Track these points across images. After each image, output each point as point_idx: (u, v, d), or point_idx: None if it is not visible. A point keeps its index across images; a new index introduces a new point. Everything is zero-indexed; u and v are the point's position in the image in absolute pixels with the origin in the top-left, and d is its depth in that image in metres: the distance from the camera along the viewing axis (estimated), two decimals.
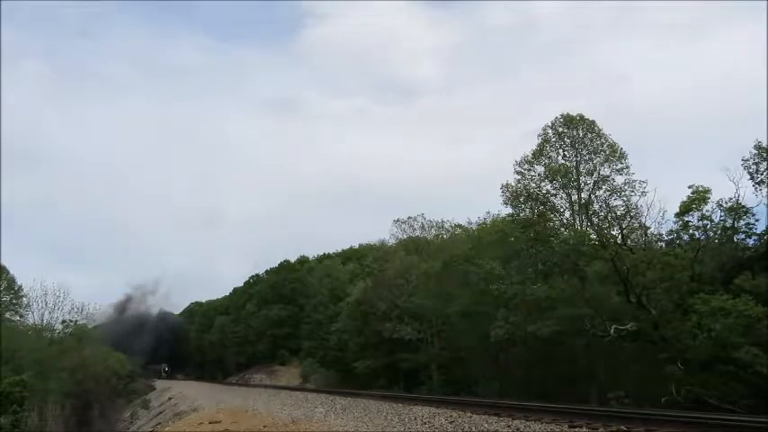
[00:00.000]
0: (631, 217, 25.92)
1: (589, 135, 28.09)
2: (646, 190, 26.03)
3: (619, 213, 26.04)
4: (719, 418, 12.29)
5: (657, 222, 25.87)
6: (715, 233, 24.38)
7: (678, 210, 24.63)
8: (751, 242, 24.11)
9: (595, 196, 27.31)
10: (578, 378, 26.88)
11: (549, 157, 28.23)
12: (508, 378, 32.07)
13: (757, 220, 23.64)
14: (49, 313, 53.33)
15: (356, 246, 74.38)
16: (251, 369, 73.21)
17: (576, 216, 27.72)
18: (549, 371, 28.89)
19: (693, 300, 21.36)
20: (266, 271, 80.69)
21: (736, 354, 19.40)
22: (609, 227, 26.06)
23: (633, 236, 26.16)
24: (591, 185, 27.45)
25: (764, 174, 23.02)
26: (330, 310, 56.75)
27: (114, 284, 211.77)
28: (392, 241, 49.10)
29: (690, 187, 24.13)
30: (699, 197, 23.94)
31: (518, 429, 13.50)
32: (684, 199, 24.30)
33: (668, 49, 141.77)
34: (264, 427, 22.57)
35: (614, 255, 23.62)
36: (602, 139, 27.92)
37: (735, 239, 24.35)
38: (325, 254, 78.43)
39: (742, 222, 23.86)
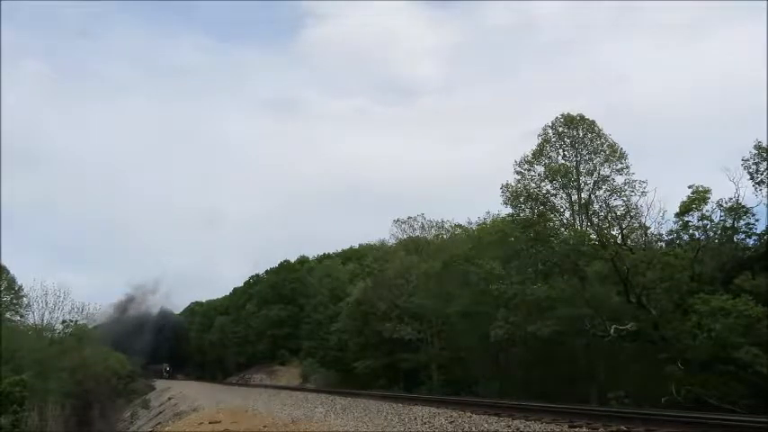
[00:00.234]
0: (631, 217, 25.93)
1: (589, 135, 28.09)
2: (646, 190, 26.10)
3: (619, 213, 26.05)
4: (719, 418, 12.29)
5: (657, 222, 25.94)
6: (715, 233, 24.39)
7: (678, 210, 24.66)
8: (751, 242, 24.14)
9: (595, 196, 27.32)
10: (578, 378, 26.89)
11: (549, 157, 28.24)
12: (508, 378, 32.07)
13: (757, 220, 23.69)
14: (49, 313, 53.53)
15: (356, 246, 74.53)
16: (251, 369, 73.20)
17: (576, 216, 27.73)
18: (549, 371, 28.89)
19: (693, 300, 21.36)
20: (266, 271, 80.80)
21: (736, 354, 19.41)
22: (609, 227, 26.07)
23: (633, 236, 26.17)
24: (591, 185, 27.46)
25: (764, 174, 23.02)
26: (330, 310, 56.75)
27: (114, 284, 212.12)
28: (392, 241, 49.24)
29: (690, 187, 24.18)
30: (699, 197, 23.95)
31: (518, 429, 13.50)
32: (684, 199, 24.33)
33: (668, 49, 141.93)
34: (264, 427, 22.56)
35: (614, 255, 23.63)
36: (602, 139, 27.92)
37: (735, 239, 24.35)
38: (325, 254, 78.47)
39: (742, 222, 23.88)
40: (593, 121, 28.34)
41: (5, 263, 54.40)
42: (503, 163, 68.29)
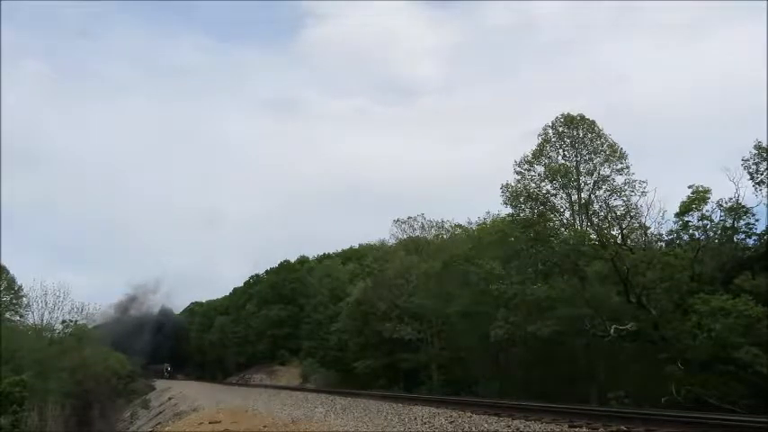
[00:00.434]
0: (631, 217, 25.93)
1: (589, 135, 28.09)
2: (646, 190, 26.11)
3: (619, 213, 26.04)
4: (719, 418, 12.29)
5: (657, 222, 25.94)
6: (715, 233, 24.39)
7: (678, 210, 24.67)
8: (751, 242, 24.14)
9: (595, 196, 27.32)
10: (578, 378, 26.89)
11: (549, 157, 28.24)
12: (508, 378, 32.07)
13: (757, 220, 23.70)
14: (49, 313, 53.46)
15: (356, 246, 74.50)
16: (251, 369, 73.18)
17: (576, 216, 27.73)
18: (549, 371, 28.89)
19: (693, 300, 21.36)
20: (266, 271, 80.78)
21: (736, 354, 19.41)
22: (609, 227, 26.07)
23: (633, 236, 26.16)
24: (591, 185, 27.46)
25: (764, 174, 23.03)
26: (330, 310, 56.74)
27: (114, 284, 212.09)
28: (392, 241, 49.24)
29: (690, 187, 24.20)
30: (699, 197, 23.96)
31: (518, 429, 13.50)
32: (684, 199, 24.34)
33: (668, 49, 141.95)
34: (264, 427, 22.56)
35: (614, 255, 23.63)
36: (602, 139, 27.92)
37: (735, 239, 24.35)
38: (325, 254, 78.46)
39: (742, 222, 23.89)
40: (593, 121, 28.37)
41: (5, 263, 54.51)
42: (503, 163, 68.38)
